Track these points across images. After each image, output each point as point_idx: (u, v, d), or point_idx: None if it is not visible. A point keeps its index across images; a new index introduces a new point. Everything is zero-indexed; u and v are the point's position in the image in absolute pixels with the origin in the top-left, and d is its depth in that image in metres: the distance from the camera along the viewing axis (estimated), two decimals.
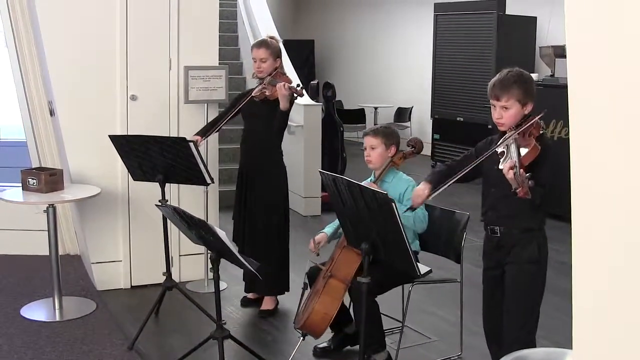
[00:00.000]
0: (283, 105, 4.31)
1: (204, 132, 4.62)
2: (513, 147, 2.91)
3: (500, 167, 2.91)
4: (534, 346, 3.16)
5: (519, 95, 3.03)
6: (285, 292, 4.64)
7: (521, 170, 2.79)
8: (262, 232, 4.51)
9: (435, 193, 3.14)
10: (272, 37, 4.60)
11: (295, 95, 4.33)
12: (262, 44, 4.49)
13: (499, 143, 3.05)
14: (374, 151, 3.85)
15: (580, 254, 1.59)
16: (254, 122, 4.53)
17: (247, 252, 4.42)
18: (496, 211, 3.19)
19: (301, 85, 4.40)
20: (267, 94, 4.39)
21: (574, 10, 1.54)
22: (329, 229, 3.97)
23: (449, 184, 3.12)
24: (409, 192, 3.74)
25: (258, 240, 4.52)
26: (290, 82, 4.37)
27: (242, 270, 4.13)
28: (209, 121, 4.83)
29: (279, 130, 4.49)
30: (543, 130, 3.07)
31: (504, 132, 3.09)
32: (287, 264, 4.62)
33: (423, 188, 3.21)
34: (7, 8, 5.25)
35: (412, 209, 3.29)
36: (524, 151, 2.90)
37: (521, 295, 3.16)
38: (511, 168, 2.81)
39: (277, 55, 4.51)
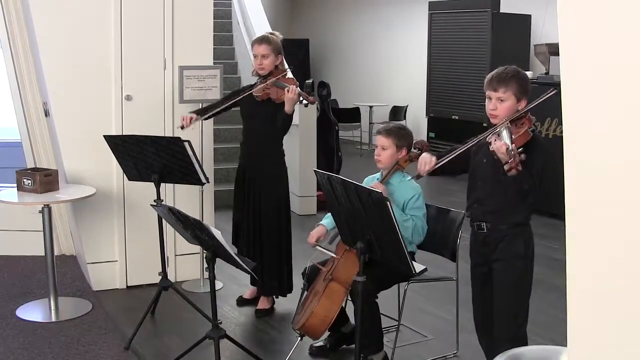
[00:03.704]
0: (289, 108, 4.29)
1: (201, 112, 4.61)
2: (505, 132, 2.95)
3: (491, 147, 2.94)
4: (525, 341, 3.18)
5: (516, 89, 3.09)
6: (290, 293, 4.61)
7: (513, 144, 2.86)
8: (264, 235, 4.48)
9: (440, 163, 3.13)
10: (272, 33, 4.55)
11: (305, 101, 4.33)
12: (263, 40, 4.44)
13: (490, 130, 3.08)
14: (385, 152, 3.76)
15: (575, 251, 1.59)
16: (254, 122, 4.50)
17: (249, 253, 4.41)
18: (482, 205, 3.21)
19: (312, 93, 4.40)
20: (272, 96, 4.36)
21: (566, 8, 1.55)
22: (325, 221, 3.93)
23: (452, 156, 3.12)
24: (413, 201, 3.71)
25: (261, 242, 4.49)
26: (297, 85, 4.35)
27: (237, 269, 4.12)
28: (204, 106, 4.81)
29: (282, 133, 4.47)
30: (535, 127, 3.11)
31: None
32: (290, 265, 4.59)
33: (430, 157, 3.20)
34: (2, 9, 5.24)
35: (418, 176, 3.25)
36: (515, 135, 2.97)
37: (509, 291, 3.18)
38: (501, 146, 2.87)
39: (278, 52, 4.46)
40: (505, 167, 2.83)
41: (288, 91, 4.24)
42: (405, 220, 3.63)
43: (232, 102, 4.55)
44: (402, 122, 11.11)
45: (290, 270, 4.59)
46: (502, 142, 2.88)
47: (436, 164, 3.15)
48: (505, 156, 2.84)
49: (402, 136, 3.78)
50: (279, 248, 4.51)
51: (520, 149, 2.85)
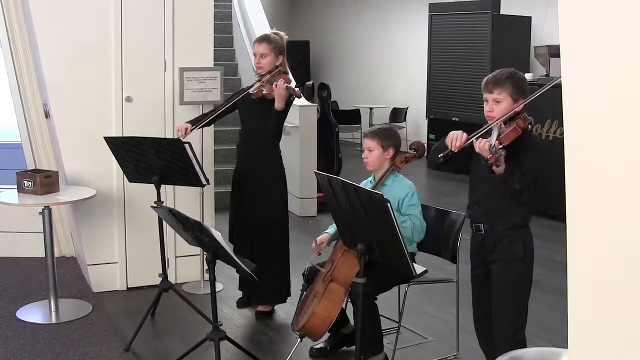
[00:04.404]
0: (278, 104, 4.23)
1: (196, 122, 4.54)
2: (495, 131, 3.02)
3: (476, 149, 2.98)
4: (524, 343, 3.18)
5: (511, 90, 3.10)
6: (288, 299, 4.57)
7: (496, 142, 2.92)
8: (260, 240, 4.45)
9: (472, 138, 3.08)
10: (276, 33, 4.48)
11: (292, 96, 4.28)
12: (263, 39, 4.40)
13: (485, 127, 3.10)
14: (371, 153, 3.79)
15: (575, 252, 1.59)
16: (252, 122, 4.47)
17: (246, 257, 4.38)
18: (481, 206, 3.22)
19: (300, 88, 4.35)
20: (264, 92, 4.30)
21: (567, 10, 1.55)
22: (331, 229, 3.92)
23: (482, 132, 3.07)
24: (408, 198, 3.72)
25: (257, 246, 4.45)
26: (289, 81, 4.30)
27: (236, 270, 4.12)
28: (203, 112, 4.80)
29: (275, 131, 4.41)
30: (531, 126, 3.11)
31: None
32: (287, 270, 4.54)
33: (461, 132, 3.11)
34: (2, 10, 5.24)
35: (450, 152, 3.12)
36: (503, 133, 3.02)
37: (508, 293, 3.18)
38: (484, 143, 2.93)
39: (280, 52, 4.40)
40: (489, 163, 2.90)
41: (276, 86, 4.22)
42: (403, 222, 3.63)
43: (230, 104, 4.53)
44: (402, 124, 11.13)
45: (288, 276, 4.55)
46: (485, 140, 2.94)
47: (468, 140, 3.08)
48: (487, 153, 2.90)
49: (386, 136, 3.80)
50: (275, 253, 4.46)
51: (501, 145, 2.91)
